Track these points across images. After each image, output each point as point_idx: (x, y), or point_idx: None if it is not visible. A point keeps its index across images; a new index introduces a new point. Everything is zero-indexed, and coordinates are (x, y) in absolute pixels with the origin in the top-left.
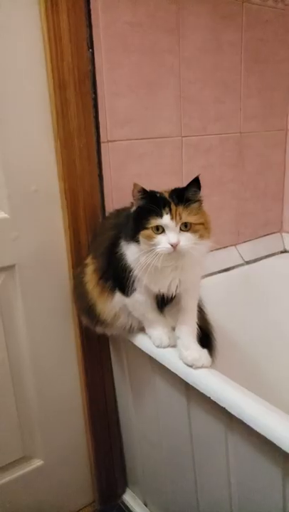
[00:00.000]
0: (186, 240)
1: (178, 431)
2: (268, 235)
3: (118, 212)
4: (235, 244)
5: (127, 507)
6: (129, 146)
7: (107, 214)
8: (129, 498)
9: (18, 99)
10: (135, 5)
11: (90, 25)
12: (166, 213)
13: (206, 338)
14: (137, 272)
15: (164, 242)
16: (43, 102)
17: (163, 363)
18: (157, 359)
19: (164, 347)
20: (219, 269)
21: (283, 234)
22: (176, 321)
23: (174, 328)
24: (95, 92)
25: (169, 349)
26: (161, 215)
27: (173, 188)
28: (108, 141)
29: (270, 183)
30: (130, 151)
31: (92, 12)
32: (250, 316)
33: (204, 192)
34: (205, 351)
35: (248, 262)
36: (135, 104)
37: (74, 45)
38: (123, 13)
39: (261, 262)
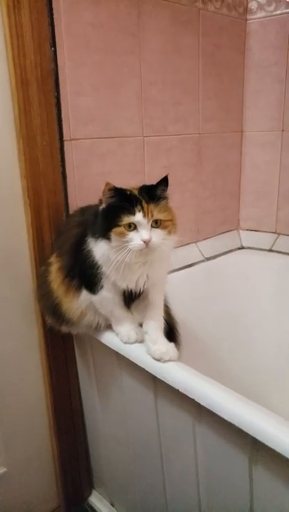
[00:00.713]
0: (157, 236)
1: (145, 426)
2: (225, 232)
3: (82, 210)
4: (195, 242)
5: (93, 509)
6: (93, 144)
7: (71, 212)
8: (95, 499)
9: None
10: (97, 7)
11: (52, 24)
12: (139, 211)
13: (170, 332)
14: (105, 268)
15: (136, 238)
16: (5, 100)
17: (130, 359)
18: (125, 355)
19: (132, 343)
20: (181, 266)
21: (240, 231)
22: (143, 317)
23: (140, 324)
24: (57, 90)
25: (137, 345)
26: (133, 213)
27: (140, 185)
28: (71, 140)
29: (227, 182)
30: (93, 149)
31: (54, 11)
32: (211, 310)
33: (168, 190)
34: (172, 345)
35: (208, 259)
36: (98, 103)
37: (36, 42)
38: (85, 13)
39: (220, 258)
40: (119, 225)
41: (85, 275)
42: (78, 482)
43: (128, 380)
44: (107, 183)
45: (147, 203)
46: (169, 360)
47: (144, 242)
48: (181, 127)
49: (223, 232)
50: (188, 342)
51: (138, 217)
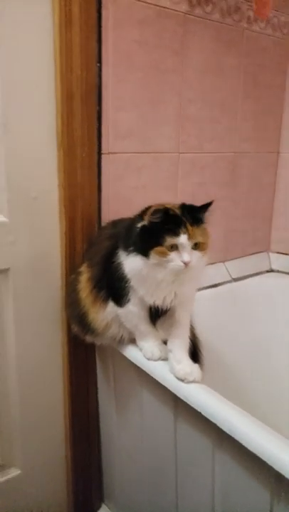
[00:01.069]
0: (195, 258)
1: (162, 446)
2: (255, 253)
3: (114, 222)
4: (223, 261)
5: None
6: (129, 158)
7: (103, 224)
8: None
9: (25, 107)
10: (144, 25)
11: (99, 41)
12: (184, 233)
13: (194, 352)
14: (133, 282)
15: (176, 259)
16: (49, 112)
17: (153, 376)
18: (147, 371)
19: (155, 360)
20: (207, 285)
21: (270, 253)
22: (168, 335)
23: (165, 342)
24: (100, 105)
25: (160, 362)
26: (178, 235)
27: (178, 203)
28: (109, 153)
29: (260, 203)
30: (129, 163)
31: (102, 28)
32: (236, 332)
33: None
34: (197, 366)
35: (235, 279)
36: (137, 118)
37: (84, 58)
38: (132, 31)
39: (248, 279)
40: (161, 245)
41: (113, 287)
42: (89, 493)
43: (148, 396)
44: (154, 206)
45: (191, 225)
46: (193, 382)
47: (185, 263)
48: (216, 145)
49: (252, 254)
50: (209, 363)
51: (182, 239)
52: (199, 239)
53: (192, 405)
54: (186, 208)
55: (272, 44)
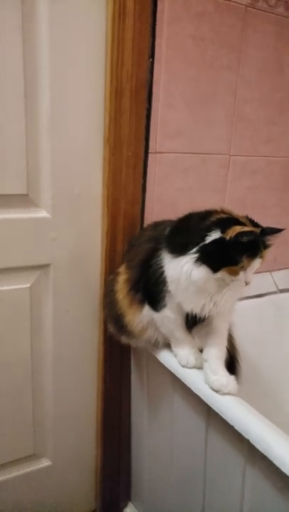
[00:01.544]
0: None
1: (192, 455)
2: None
3: (156, 224)
4: (270, 271)
5: None
6: (176, 158)
7: (145, 225)
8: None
9: (73, 102)
10: (201, 19)
11: (153, 36)
12: (260, 257)
13: (231, 363)
14: (172, 287)
15: (242, 279)
16: (98, 107)
17: (186, 384)
18: (181, 379)
19: (190, 367)
20: (251, 295)
21: None
22: (205, 343)
23: (201, 350)
24: (149, 102)
25: (194, 370)
26: (254, 257)
27: (247, 217)
28: (156, 152)
29: None
30: (176, 164)
31: (157, 22)
32: (278, 346)
33: (247, 213)
34: (233, 378)
35: (282, 291)
36: (187, 117)
37: (136, 53)
38: (187, 26)
39: None
40: (236, 265)
41: (150, 291)
42: (116, 491)
43: (180, 403)
44: (247, 230)
45: (264, 248)
46: (228, 394)
47: (246, 283)
48: (272, 149)
49: None
50: (248, 376)
51: (256, 262)
52: (264, 260)
53: (225, 418)
54: (263, 232)
55: None
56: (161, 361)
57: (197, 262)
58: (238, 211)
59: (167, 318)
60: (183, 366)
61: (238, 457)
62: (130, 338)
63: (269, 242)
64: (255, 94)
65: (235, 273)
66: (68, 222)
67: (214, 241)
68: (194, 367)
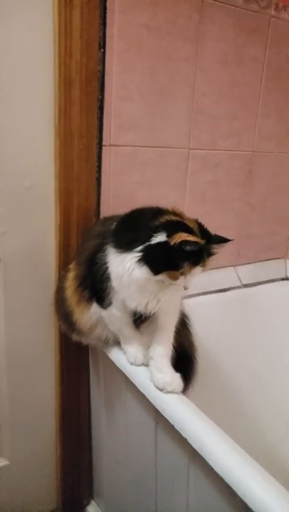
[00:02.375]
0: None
1: (144, 454)
2: (270, 259)
3: (106, 219)
4: (234, 266)
5: None
6: (133, 152)
7: (96, 221)
8: (92, 510)
9: (21, 92)
10: (155, 8)
11: (104, 24)
12: (202, 265)
13: (187, 360)
14: (115, 283)
15: (181, 283)
16: (48, 98)
17: (133, 382)
18: (129, 376)
19: (138, 365)
20: (214, 289)
21: (287, 260)
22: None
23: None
24: (102, 94)
25: (143, 368)
26: (196, 265)
27: (197, 222)
28: (110, 145)
29: (279, 206)
30: (133, 157)
31: (107, 11)
32: (241, 341)
33: (206, 208)
34: (178, 375)
35: (245, 285)
36: (144, 110)
37: (84, 42)
38: (141, 15)
39: (260, 286)
40: (177, 270)
41: (96, 288)
42: (78, 489)
43: (132, 401)
44: (192, 240)
45: (208, 256)
46: (172, 392)
47: (185, 288)
48: (232, 143)
49: (267, 260)
50: (209, 372)
51: (197, 270)
52: (207, 267)
53: (166, 417)
54: (209, 239)
55: None
56: (112, 359)
57: (140, 262)
58: (197, 206)
59: (114, 316)
60: (131, 364)
61: (183, 456)
62: (81, 336)
63: (214, 250)
64: (215, 88)
65: (175, 277)
66: (19, 216)
67: (159, 243)
68: (142, 364)
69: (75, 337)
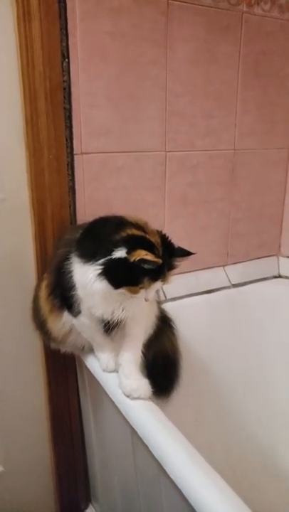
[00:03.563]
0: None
1: (126, 460)
2: (262, 257)
3: (76, 227)
4: (223, 266)
5: None
6: (106, 158)
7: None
8: None
9: None
10: (118, 15)
11: (66, 34)
12: (161, 280)
13: (170, 364)
14: (80, 291)
15: (142, 296)
16: (15, 110)
17: (104, 388)
18: (101, 383)
19: (110, 371)
20: (201, 290)
21: (280, 258)
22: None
23: None
24: (69, 103)
25: (113, 374)
26: (156, 280)
27: (160, 234)
28: (82, 153)
29: (267, 204)
30: (107, 164)
31: (68, 21)
32: (230, 343)
33: (189, 210)
34: (145, 382)
35: (235, 285)
36: (114, 116)
37: (46, 54)
38: (104, 22)
39: (251, 285)
40: (136, 285)
41: (65, 296)
42: (75, 493)
43: (111, 407)
44: (150, 259)
45: (168, 270)
46: (138, 398)
47: (146, 300)
48: (211, 142)
49: (258, 258)
50: (199, 375)
51: (158, 285)
52: (167, 282)
53: (131, 424)
54: (167, 249)
55: (280, 28)
56: (87, 366)
57: (100, 276)
58: (178, 208)
59: (84, 324)
60: (103, 370)
61: (154, 465)
62: (57, 344)
63: (176, 263)
64: (188, 88)
65: (134, 292)
66: None
67: (119, 259)
68: (114, 371)
69: (52, 345)
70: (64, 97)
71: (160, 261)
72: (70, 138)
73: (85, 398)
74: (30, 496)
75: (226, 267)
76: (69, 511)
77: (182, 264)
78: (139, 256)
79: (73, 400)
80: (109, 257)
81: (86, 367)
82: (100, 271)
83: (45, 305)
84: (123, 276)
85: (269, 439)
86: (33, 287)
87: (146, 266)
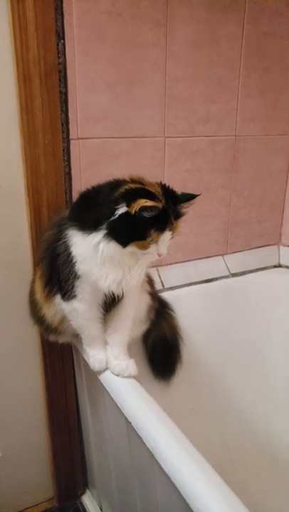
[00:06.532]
0: (167, 247)
1: (121, 448)
2: (262, 246)
3: (56, 214)
4: (222, 255)
5: (84, 508)
6: (104, 144)
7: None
8: (87, 499)
9: None
10: None
11: (61, 14)
12: (169, 230)
13: (170, 349)
14: (83, 267)
15: (154, 252)
16: (9, 94)
17: (101, 381)
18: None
19: (103, 370)
20: (200, 280)
21: (281, 247)
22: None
23: None
24: (65, 86)
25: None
26: (163, 231)
27: (160, 185)
28: (79, 138)
29: (269, 191)
30: (104, 149)
31: (64, 0)
32: (228, 332)
33: None
34: (132, 361)
35: (234, 275)
36: (112, 100)
37: (41, 35)
38: (101, 1)
39: (250, 275)
40: (144, 239)
41: (59, 278)
42: (72, 479)
43: (107, 395)
44: (151, 205)
45: (175, 219)
46: (128, 377)
47: (159, 255)
48: (212, 128)
49: (259, 247)
50: (194, 363)
51: (166, 235)
52: (177, 232)
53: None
54: (170, 198)
55: (285, 6)
56: (83, 354)
57: (106, 238)
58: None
59: (75, 312)
60: (95, 371)
61: (148, 452)
62: (57, 335)
63: (183, 210)
64: (189, 72)
65: (145, 247)
66: None
67: (121, 215)
68: (106, 369)
69: (51, 337)
70: (59, 79)
71: (160, 205)
72: (66, 122)
73: (82, 385)
74: (28, 481)
75: (225, 256)
76: (66, 496)
77: (180, 253)
78: (139, 205)
79: (70, 387)
80: (113, 218)
81: (82, 356)
82: (104, 233)
83: (41, 297)
84: (129, 232)
85: (266, 428)
86: (29, 276)
87: (147, 214)
